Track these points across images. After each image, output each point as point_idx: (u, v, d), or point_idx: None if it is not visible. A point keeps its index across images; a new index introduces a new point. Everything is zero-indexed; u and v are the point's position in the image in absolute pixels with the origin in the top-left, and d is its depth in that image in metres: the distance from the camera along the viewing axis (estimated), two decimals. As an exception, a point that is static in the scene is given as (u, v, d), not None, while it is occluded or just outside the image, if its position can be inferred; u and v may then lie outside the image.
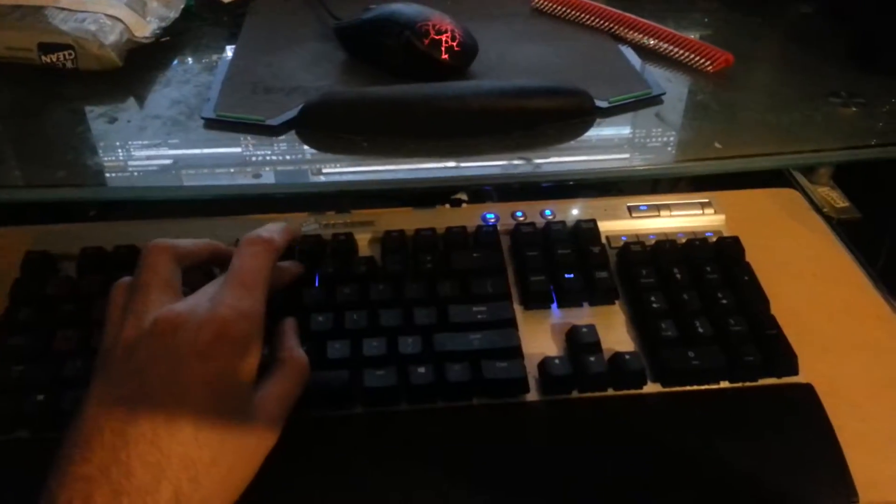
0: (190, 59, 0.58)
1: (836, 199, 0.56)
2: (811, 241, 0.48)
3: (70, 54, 0.53)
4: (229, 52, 0.59)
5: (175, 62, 0.58)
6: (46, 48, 0.53)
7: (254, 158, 0.48)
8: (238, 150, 0.48)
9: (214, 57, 0.58)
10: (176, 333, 0.31)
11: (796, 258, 0.46)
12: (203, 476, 0.29)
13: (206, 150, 0.48)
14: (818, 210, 0.51)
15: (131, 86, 0.54)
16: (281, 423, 0.33)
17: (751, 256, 0.43)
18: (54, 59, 0.53)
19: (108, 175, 0.46)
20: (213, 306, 0.32)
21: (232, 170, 0.47)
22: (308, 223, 0.46)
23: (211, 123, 0.50)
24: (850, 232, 0.50)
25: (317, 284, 0.41)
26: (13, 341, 0.38)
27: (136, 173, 0.46)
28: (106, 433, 0.29)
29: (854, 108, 0.52)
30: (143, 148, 0.48)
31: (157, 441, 0.28)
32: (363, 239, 0.45)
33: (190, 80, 0.55)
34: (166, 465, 0.28)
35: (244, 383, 0.32)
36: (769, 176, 0.57)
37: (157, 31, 0.58)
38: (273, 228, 0.37)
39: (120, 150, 0.48)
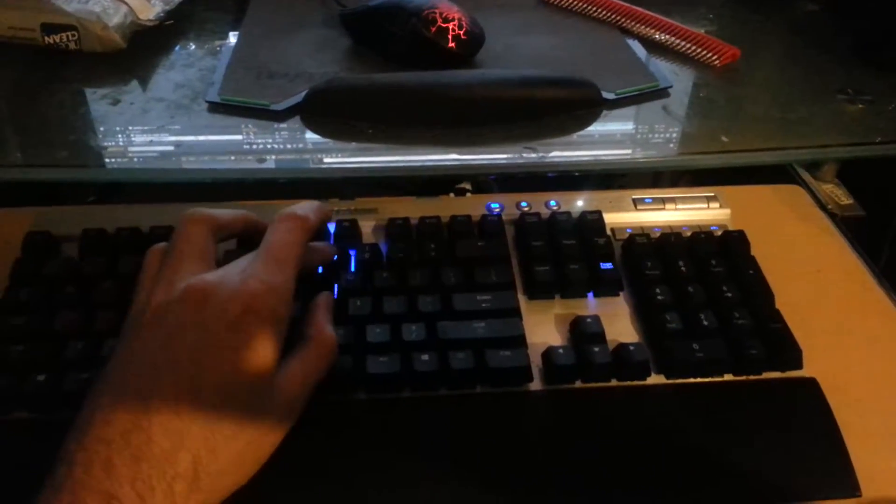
0: (194, 43, 0.58)
1: (841, 196, 0.56)
2: (815, 238, 0.48)
3: (73, 35, 0.53)
4: (234, 36, 0.58)
5: (179, 46, 0.58)
6: (49, 29, 0.53)
7: (257, 143, 0.47)
8: (241, 134, 0.48)
9: (219, 41, 0.58)
10: (206, 303, 0.30)
11: (800, 254, 0.46)
12: (221, 448, 0.29)
13: (209, 134, 0.48)
14: (822, 207, 0.51)
15: (135, 68, 0.54)
16: (302, 402, 0.33)
17: (755, 251, 0.43)
18: (57, 40, 0.53)
19: (109, 156, 0.46)
20: (243, 279, 0.31)
21: (235, 154, 0.46)
22: (312, 209, 0.45)
23: (215, 107, 0.50)
24: (853, 229, 0.50)
25: (320, 271, 0.41)
26: (14, 321, 0.38)
27: (138, 156, 0.46)
28: (129, 398, 0.28)
29: (860, 105, 0.51)
30: (146, 131, 0.48)
31: (179, 409, 0.28)
32: (367, 226, 0.45)
33: (194, 63, 0.55)
34: (186, 434, 0.28)
35: (269, 359, 0.31)
36: (774, 172, 0.57)
37: (162, 15, 0.57)
38: (308, 207, 0.37)
39: (122, 133, 0.48)
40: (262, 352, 0.31)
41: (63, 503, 0.26)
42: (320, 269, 0.41)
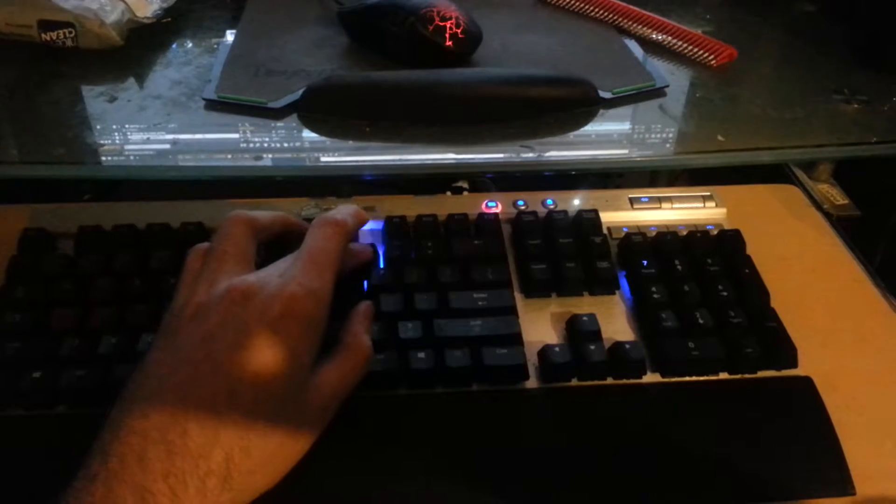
0: (191, 41, 0.58)
1: (836, 196, 0.56)
2: (811, 237, 0.48)
3: (70, 32, 0.53)
4: (231, 34, 0.58)
5: (176, 43, 0.57)
6: (46, 25, 0.53)
7: (254, 141, 0.47)
8: (238, 132, 0.48)
9: (216, 39, 0.58)
10: (247, 303, 0.31)
11: (796, 253, 0.46)
12: (254, 447, 0.29)
13: (206, 132, 0.48)
14: (818, 207, 0.51)
15: (132, 66, 0.54)
16: (334, 407, 0.33)
17: (751, 250, 0.43)
18: (54, 37, 0.53)
19: (106, 154, 0.45)
20: (284, 282, 0.32)
21: (231, 152, 0.46)
22: (308, 207, 0.46)
23: (212, 105, 0.49)
24: (848, 229, 0.50)
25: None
26: (9, 318, 0.38)
27: (134, 153, 0.46)
28: (167, 392, 0.29)
29: (856, 106, 0.52)
30: (143, 128, 0.48)
31: (215, 406, 0.29)
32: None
33: (191, 61, 0.55)
34: (221, 431, 0.28)
35: (304, 363, 0.32)
36: (770, 172, 0.57)
37: (159, 12, 0.57)
38: (346, 211, 0.37)
39: (119, 130, 0.48)
40: (299, 355, 0.31)
41: (97, 495, 0.26)
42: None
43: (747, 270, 0.42)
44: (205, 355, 0.30)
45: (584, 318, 0.39)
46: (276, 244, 0.38)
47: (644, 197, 0.47)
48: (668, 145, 0.49)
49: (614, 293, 0.42)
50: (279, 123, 0.49)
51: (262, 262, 0.35)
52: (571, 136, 0.49)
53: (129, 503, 0.26)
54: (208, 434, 0.28)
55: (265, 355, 0.30)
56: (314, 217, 0.44)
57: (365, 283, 0.40)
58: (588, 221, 0.44)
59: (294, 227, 0.38)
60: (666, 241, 0.43)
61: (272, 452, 0.30)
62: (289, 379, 0.31)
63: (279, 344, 0.30)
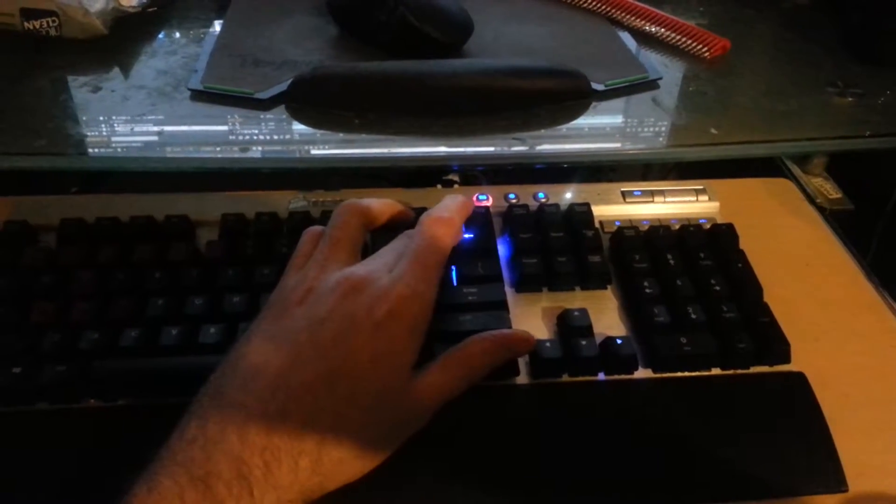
0: (177, 30, 0.57)
1: (830, 190, 0.55)
2: (804, 231, 0.47)
3: (54, 21, 0.52)
4: (218, 23, 0.57)
5: (162, 33, 0.57)
6: (29, 14, 0.52)
7: (241, 132, 0.47)
8: (225, 123, 0.47)
9: (203, 28, 0.57)
10: (357, 297, 0.32)
11: (789, 247, 0.46)
12: (345, 437, 0.30)
13: (192, 123, 0.47)
14: (811, 200, 0.51)
15: (116, 55, 0.53)
16: (433, 411, 0.33)
17: (744, 245, 0.43)
18: (37, 26, 0.52)
19: (89, 145, 0.45)
20: (392, 281, 0.32)
21: (218, 143, 0.46)
22: (296, 200, 0.45)
23: (198, 95, 0.49)
24: (842, 223, 0.50)
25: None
26: (-12, 312, 0.37)
27: (118, 144, 0.45)
28: (270, 370, 0.30)
29: (850, 99, 0.51)
30: (127, 119, 0.47)
31: (314, 389, 0.29)
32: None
33: (177, 51, 0.54)
34: (319, 415, 0.29)
35: (405, 363, 0.32)
36: (763, 166, 0.56)
37: (144, 1, 0.56)
38: (454, 208, 0.37)
39: (103, 121, 0.47)
40: (399, 355, 0.32)
41: (196, 459, 0.27)
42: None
43: (740, 265, 0.41)
44: (309, 340, 0.31)
45: (576, 313, 0.38)
46: (384, 228, 0.39)
47: (636, 190, 0.46)
48: (660, 138, 0.48)
49: (606, 288, 0.41)
50: (266, 114, 0.48)
51: (371, 244, 0.37)
52: (563, 128, 0.48)
53: (224, 470, 0.27)
54: (306, 416, 0.29)
55: (366, 350, 0.31)
56: (302, 209, 0.44)
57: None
58: (580, 215, 0.43)
59: (403, 214, 0.39)
60: (658, 235, 0.43)
61: (364, 445, 0.30)
62: (386, 377, 0.31)
63: (381, 341, 0.31)
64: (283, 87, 0.48)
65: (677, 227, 0.44)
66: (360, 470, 0.31)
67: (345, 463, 0.30)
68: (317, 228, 0.37)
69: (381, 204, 0.38)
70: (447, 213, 0.36)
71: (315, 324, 0.31)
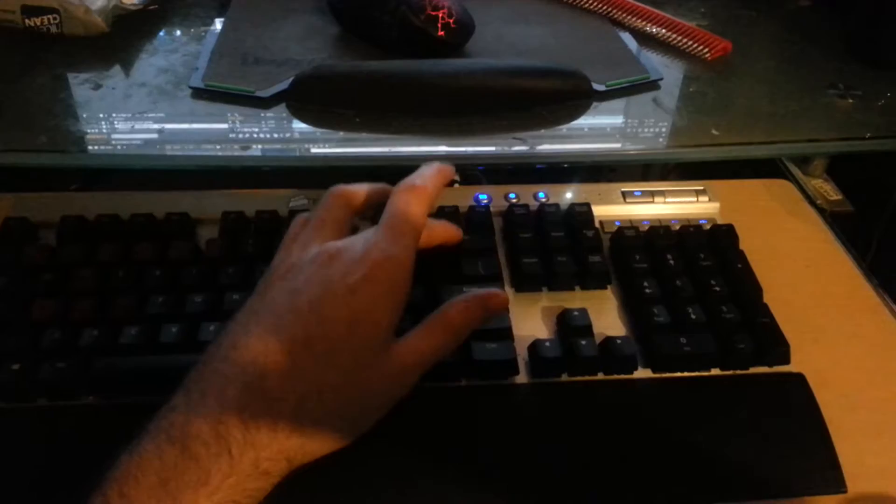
0: (178, 28, 0.57)
1: (830, 191, 0.55)
2: (804, 233, 0.47)
3: (55, 18, 0.52)
4: (219, 21, 0.57)
5: (163, 30, 0.56)
6: (30, 11, 0.52)
7: (242, 130, 0.47)
8: (226, 121, 0.47)
9: (204, 26, 0.57)
10: (331, 265, 0.33)
11: (789, 248, 0.46)
12: (328, 396, 0.30)
13: (192, 121, 0.47)
14: (811, 202, 0.51)
15: (117, 53, 0.53)
16: (415, 376, 0.33)
17: (744, 245, 0.43)
18: (38, 23, 0.52)
19: (90, 142, 0.45)
20: (366, 248, 0.33)
21: (219, 141, 0.46)
22: (296, 198, 0.45)
23: (199, 93, 0.49)
24: (842, 224, 0.50)
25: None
26: (-12, 309, 0.37)
27: (119, 141, 0.45)
28: (251, 338, 0.31)
29: (851, 101, 0.51)
30: (128, 116, 0.47)
31: (292, 352, 0.30)
32: (353, 216, 0.44)
33: (178, 48, 0.54)
34: (298, 376, 0.30)
35: (383, 326, 0.32)
36: (763, 167, 0.56)
37: (146, -2, 0.56)
38: (426, 175, 0.37)
39: (104, 118, 0.47)
40: (377, 318, 0.32)
41: (176, 423, 0.28)
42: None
43: (740, 265, 0.41)
44: (288, 307, 0.32)
45: (576, 313, 0.38)
46: (376, 213, 0.38)
47: (637, 191, 0.46)
48: (661, 139, 0.48)
49: (606, 288, 0.41)
50: (267, 113, 0.48)
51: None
52: (564, 128, 0.48)
53: (203, 431, 0.28)
54: (285, 379, 0.30)
55: (343, 314, 0.31)
56: (303, 208, 0.44)
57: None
58: (580, 215, 0.43)
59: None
60: (658, 236, 0.43)
61: (343, 406, 0.31)
62: (365, 339, 0.32)
63: (356, 304, 0.32)
64: (284, 85, 0.48)
65: (677, 227, 0.44)
66: (340, 438, 0.31)
67: (325, 423, 0.30)
68: (305, 214, 0.38)
69: (368, 187, 0.38)
70: (420, 180, 0.37)
71: (293, 293, 0.32)
